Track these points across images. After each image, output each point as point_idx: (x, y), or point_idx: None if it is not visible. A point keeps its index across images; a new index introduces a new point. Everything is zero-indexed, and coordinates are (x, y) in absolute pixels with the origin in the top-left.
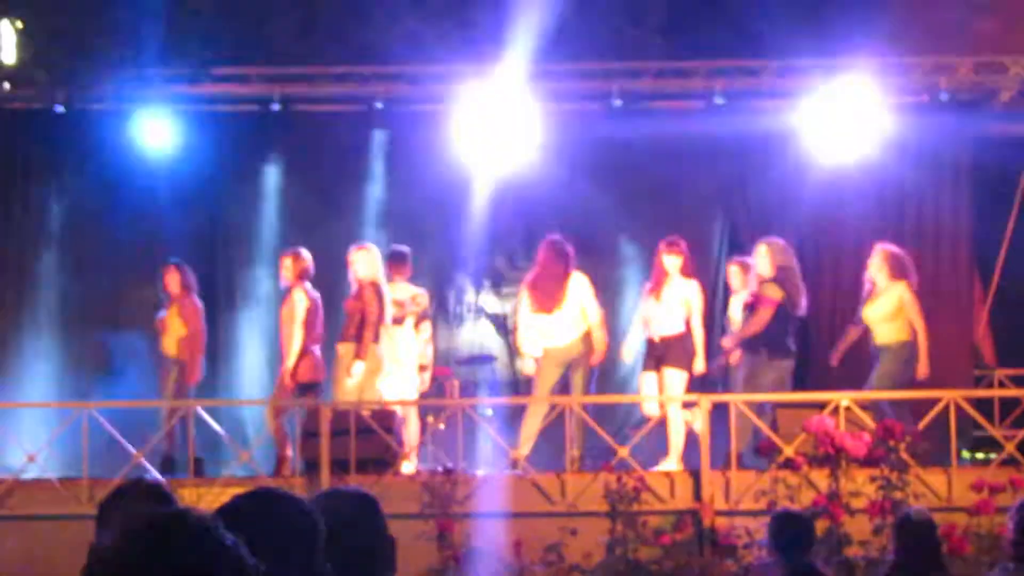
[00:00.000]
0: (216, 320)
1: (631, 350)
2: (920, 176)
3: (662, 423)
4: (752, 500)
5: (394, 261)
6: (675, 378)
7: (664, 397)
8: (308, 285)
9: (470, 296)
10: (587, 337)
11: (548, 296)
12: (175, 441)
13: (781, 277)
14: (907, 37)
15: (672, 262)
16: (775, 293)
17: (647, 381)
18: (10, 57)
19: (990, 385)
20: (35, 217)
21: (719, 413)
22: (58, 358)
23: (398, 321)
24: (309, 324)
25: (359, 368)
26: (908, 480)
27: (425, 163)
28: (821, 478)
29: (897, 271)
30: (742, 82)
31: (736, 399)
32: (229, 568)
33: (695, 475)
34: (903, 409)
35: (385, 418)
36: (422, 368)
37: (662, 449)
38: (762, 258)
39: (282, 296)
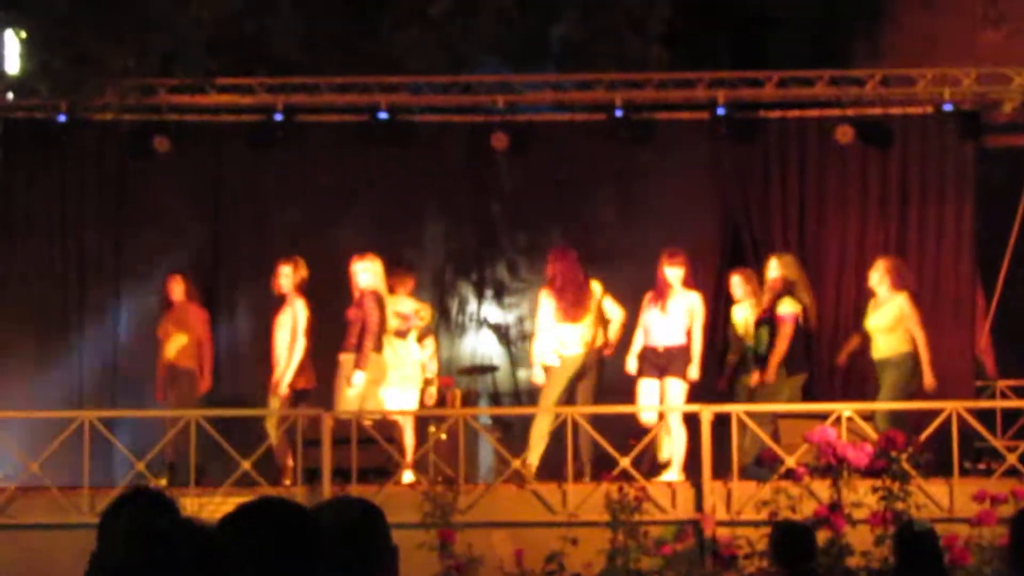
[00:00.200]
0: (218, 329)
1: (635, 361)
2: (924, 186)
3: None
4: (754, 511)
5: (397, 273)
6: (677, 388)
7: (665, 407)
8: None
9: (472, 306)
10: (595, 350)
11: (575, 305)
12: (178, 450)
13: (795, 290)
14: (911, 48)
15: (674, 273)
16: (792, 307)
17: (646, 388)
18: (13, 67)
19: (992, 396)
20: (37, 226)
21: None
22: (56, 365)
23: (401, 334)
24: (310, 333)
25: (359, 378)
26: (910, 491)
27: (426, 172)
28: (823, 489)
29: (898, 282)
30: (745, 93)
31: (737, 409)
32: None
33: (696, 485)
34: (899, 423)
35: (386, 427)
36: (427, 383)
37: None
38: (774, 271)
39: (274, 303)
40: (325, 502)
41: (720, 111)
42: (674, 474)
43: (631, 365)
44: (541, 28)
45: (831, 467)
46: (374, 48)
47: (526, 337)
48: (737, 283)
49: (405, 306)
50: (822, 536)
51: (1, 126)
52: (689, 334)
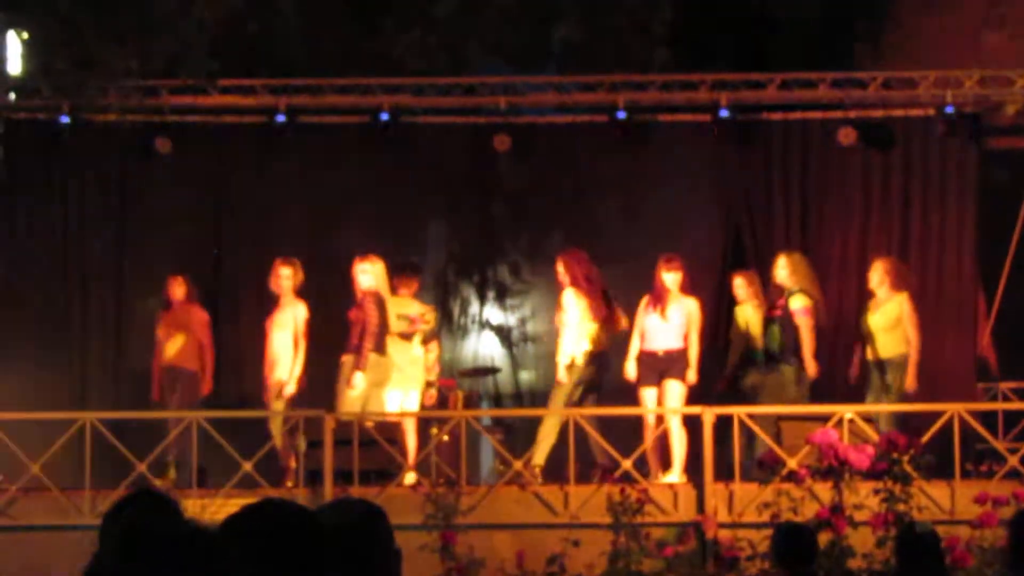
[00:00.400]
0: (220, 330)
1: (634, 366)
2: (925, 189)
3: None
4: (755, 512)
5: (401, 274)
6: (676, 390)
7: (666, 409)
8: None
9: (475, 308)
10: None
11: (600, 305)
12: (179, 451)
13: (805, 288)
14: (913, 50)
15: (671, 278)
16: (805, 302)
17: (648, 398)
18: (15, 68)
19: (994, 398)
20: (39, 226)
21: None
22: (58, 366)
23: (407, 337)
24: (308, 335)
25: (359, 379)
26: (911, 493)
27: (428, 174)
28: (824, 490)
29: (899, 282)
30: (747, 95)
31: (739, 410)
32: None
33: (698, 487)
34: (902, 424)
35: (388, 429)
36: (428, 384)
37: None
38: (783, 270)
39: (271, 303)
40: (328, 503)
41: (723, 113)
42: (676, 476)
43: (630, 370)
44: (543, 30)
45: (833, 469)
46: (376, 49)
47: (528, 339)
48: (740, 284)
49: (411, 309)
50: (824, 538)
51: (3, 127)
52: (687, 339)
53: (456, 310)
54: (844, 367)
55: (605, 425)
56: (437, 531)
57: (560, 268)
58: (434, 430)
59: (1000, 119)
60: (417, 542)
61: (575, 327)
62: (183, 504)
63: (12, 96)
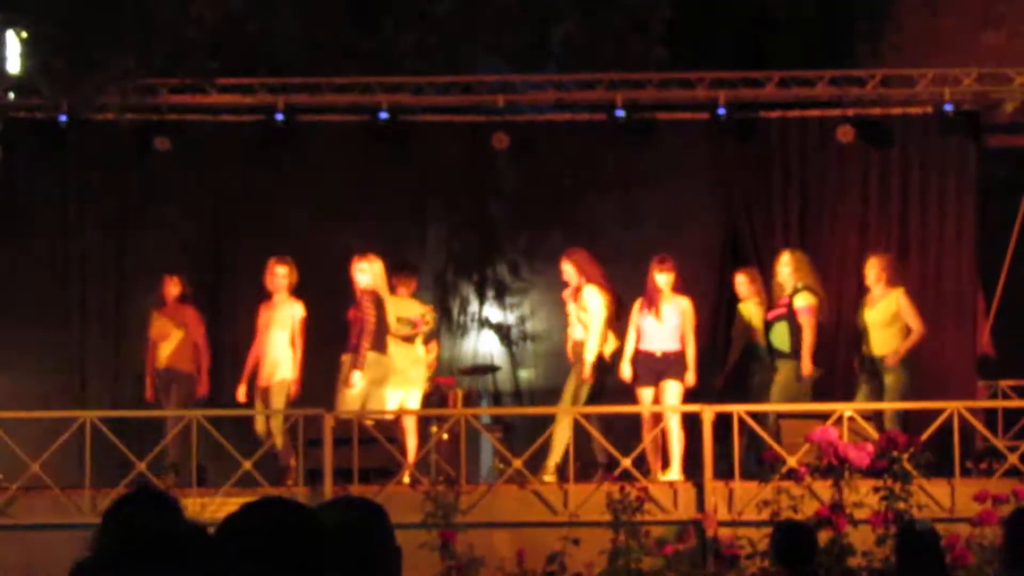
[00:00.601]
0: (218, 329)
1: (629, 366)
2: (924, 186)
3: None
4: (755, 511)
5: (399, 273)
6: (674, 389)
7: (664, 407)
8: None
9: (474, 306)
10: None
11: (616, 304)
12: (179, 450)
13: (809, 285)
14: (912, 48)
15: (664, 279)
16: (809, 299)
17: (647, 397)
18: (14, 66)
19: (994, 396)
20: (38, 225)
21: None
22: (58, 365)
23: (409, 340)
24: (305, 333)
25: (357, 378)
26: (911, 491)
27: (427, 172)
28: (824, 489)
29: (894, 277)
30: (746, 93)
31: (738, 409)
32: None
33: (698, 485)
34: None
35: (388, 428)
36: (426, 382)
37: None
38: (785, 266)
39: (263, 301)
40: (328, 502)
41: (721, 111)
42: (675, 474)
43: (626, 371)
44: (542, 28)
45: (833, 467)
46: (375, 48)
47: (527, 337)
48: (742, 282)
49: (412, 312)
50: (824, 536)
51: (2, 125)
52: (683, 340)
53: (455, 308)
54: (844, 365)
55: (605, 424)
56: (437, 529)
57: (570, 268)
58: (434, 428)
59: (999, 117)
60: (417, 540)
61: (601, 325)
62: (183, 503)
63: (11, 95)
